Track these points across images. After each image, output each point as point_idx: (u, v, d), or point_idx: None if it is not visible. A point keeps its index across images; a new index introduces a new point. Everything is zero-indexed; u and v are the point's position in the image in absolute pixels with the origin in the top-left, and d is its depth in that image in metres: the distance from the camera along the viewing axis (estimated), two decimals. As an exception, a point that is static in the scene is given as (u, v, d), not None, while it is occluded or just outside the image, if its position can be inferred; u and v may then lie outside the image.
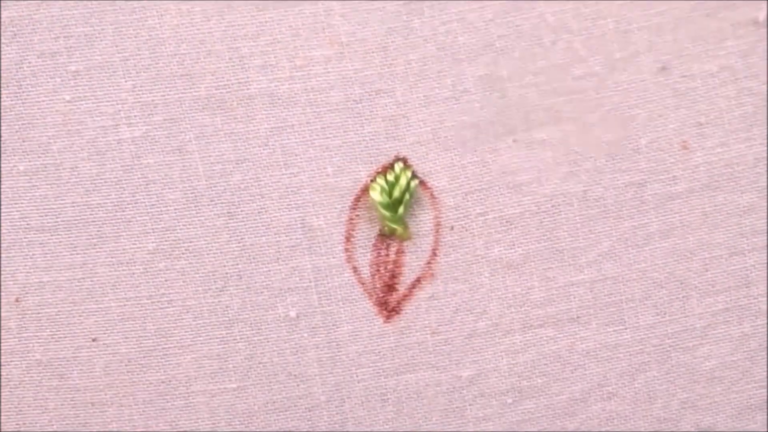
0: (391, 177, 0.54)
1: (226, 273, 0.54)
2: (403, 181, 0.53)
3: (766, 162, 0.55)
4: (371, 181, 0.54)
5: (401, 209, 0.54)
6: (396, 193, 0.53)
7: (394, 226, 0.54)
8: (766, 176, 0.55)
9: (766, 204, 0.55)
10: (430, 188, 0.54)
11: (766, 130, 0.54)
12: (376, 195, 0.53)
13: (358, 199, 0.54)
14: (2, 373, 0.55)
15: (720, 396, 0.57)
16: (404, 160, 0.54)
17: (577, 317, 0.56)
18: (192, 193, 0.54)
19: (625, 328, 0.56)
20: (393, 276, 0.55)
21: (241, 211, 0.54)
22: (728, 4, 0.53)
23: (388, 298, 0.55)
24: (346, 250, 0.54)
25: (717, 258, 0.56)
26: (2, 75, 0.53)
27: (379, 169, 0.54)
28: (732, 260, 0.56)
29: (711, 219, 0.55)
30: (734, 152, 0.55)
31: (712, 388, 0.57)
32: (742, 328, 0.56)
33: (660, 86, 0.54)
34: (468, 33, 0.53)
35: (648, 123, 0.54)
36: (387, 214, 0.54)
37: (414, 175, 0.54)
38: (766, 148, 0.55)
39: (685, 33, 0.53)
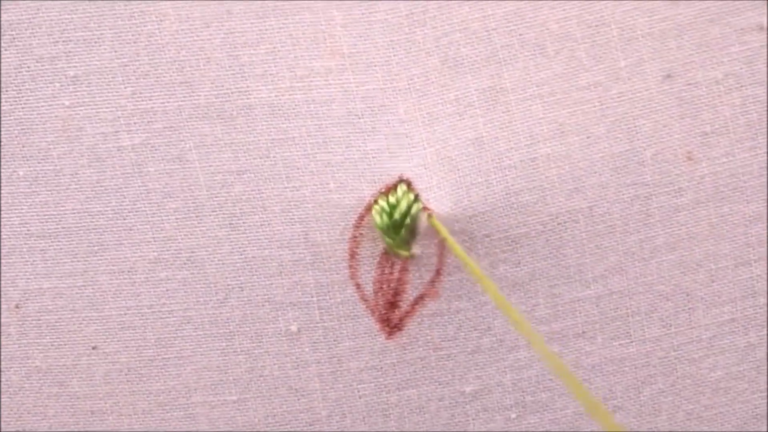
0: (393, 199, 0.53)
1: (228, 285, 0.54)
2: (404, 205, 0.53)
3: (770, 170, 0.54)
4: (374, 202, 0.53)
5: (402, 232, 0.53)
6: (396, 216, 0.53)
7: (396, 249, 0.53)
8: (770, 185, 0.55)
9: (771, 213, 0.55)
10: (433, 212, 0.54)
11: (769, 139, 0.54)
12: (377, 218, 0.53)
13: (361, 218, 0.53)
14: (2, 380, 0.55)
15: (725, 407, 0.56)
16: (408, 183, 0.53)
17: (583, 332, 0.55)
18: (193, 203, 0.53)
19: (631, 342, 0.56)
20: (396, 293, 0.54)
21: (243, 222, 0.53)
22: (733, 10, 0.53)
23: (391, 315, 0.54)
24: (350, 266, 0.54)
25: (723, 269, 0.55)
26: (1, 79, 0.52)
27: (383, 189, 0.53)
28: (738, 270, 0.55)
29: (717, 230, 0.55)
30: (739, 161, 0.54)
31: (717, 399, 0.56)
32: (748, 338, 0.56)
33: (665, 95, 0.53)
34: (471, 44, 0.53)
35: (653, 134, 0.54)
36: (388, 236, 0.53)
37: (417, 199, 0.53)
38: (770, 156, 0.54)
39: (690, 39, 0.53)
